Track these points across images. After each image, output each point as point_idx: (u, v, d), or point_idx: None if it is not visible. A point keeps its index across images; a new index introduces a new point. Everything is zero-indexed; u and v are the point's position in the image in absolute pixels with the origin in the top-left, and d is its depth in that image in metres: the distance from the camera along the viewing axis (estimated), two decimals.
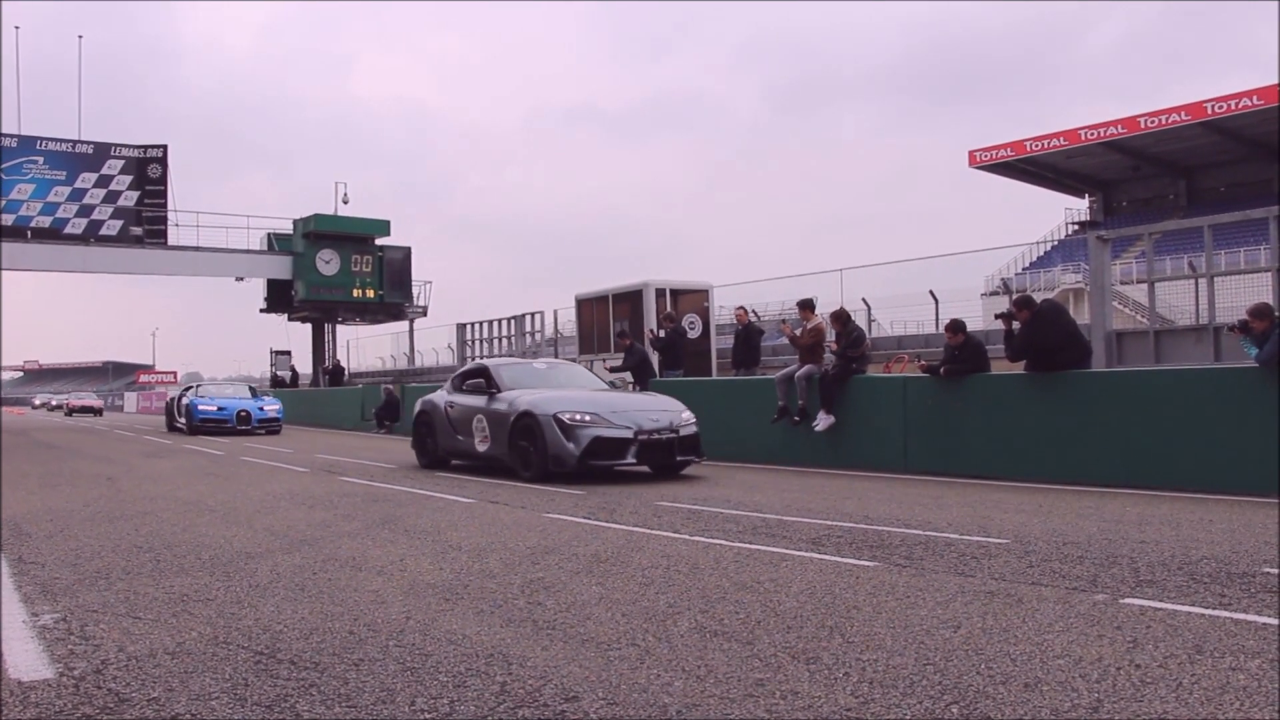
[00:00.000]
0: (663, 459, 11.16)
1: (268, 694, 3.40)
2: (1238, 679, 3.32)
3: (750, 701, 3.22)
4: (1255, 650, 3.66)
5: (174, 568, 5.89)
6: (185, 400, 26.14)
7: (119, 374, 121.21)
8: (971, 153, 52.81)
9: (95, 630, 4.33)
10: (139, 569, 5.86)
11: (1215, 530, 6.62)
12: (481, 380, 12.41)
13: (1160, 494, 8.81)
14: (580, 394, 11.84)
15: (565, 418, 10.77)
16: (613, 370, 17.01)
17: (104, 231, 35.89)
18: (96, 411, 56.69)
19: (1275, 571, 5.10)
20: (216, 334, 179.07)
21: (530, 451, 11.00)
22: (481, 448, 11.97)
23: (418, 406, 13.90)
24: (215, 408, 24.91)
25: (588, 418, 10.82)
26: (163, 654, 3.93)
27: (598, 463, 10.72)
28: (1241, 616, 4.17)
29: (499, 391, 11.96)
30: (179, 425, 26.19)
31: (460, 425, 12.49)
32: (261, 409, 25.39)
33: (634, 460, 10.90)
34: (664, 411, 11.41)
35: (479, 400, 12.16)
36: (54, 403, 74.69)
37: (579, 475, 10.70)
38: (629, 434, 10.81)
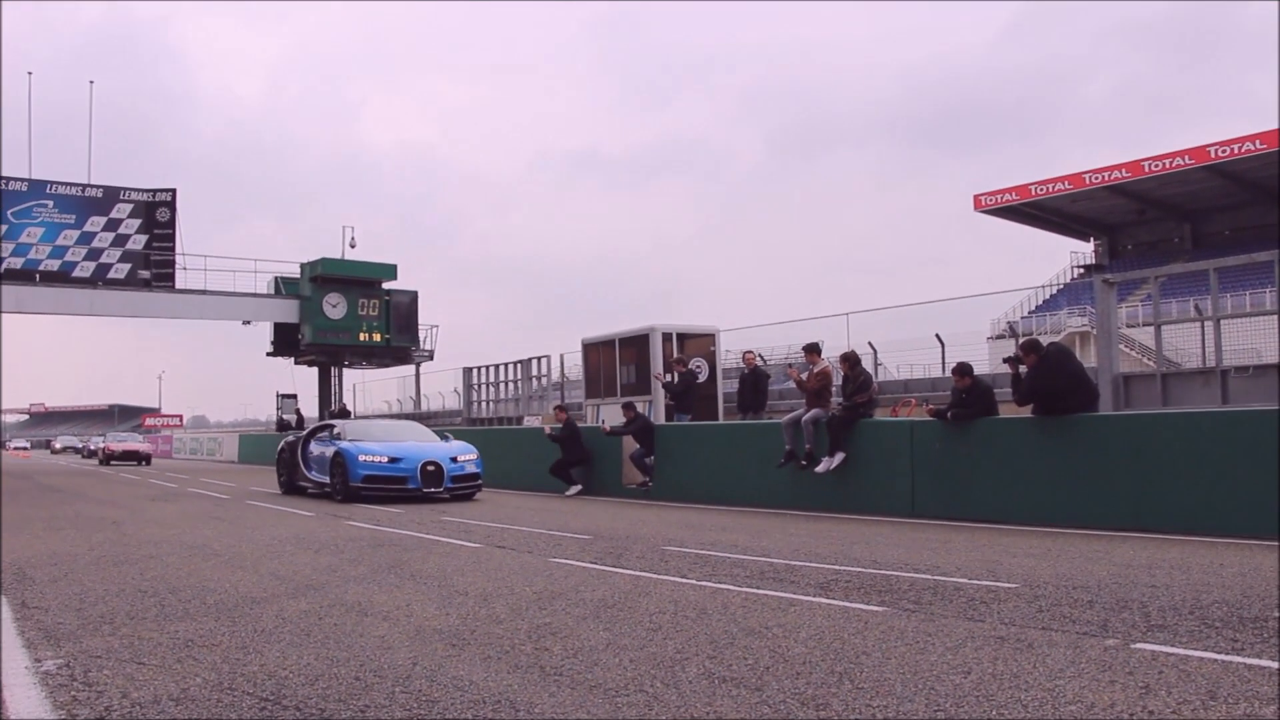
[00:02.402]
0: None
1: None
2: None
3: None
4: (1270, 696, 3.62)
5: (179, 613, 5.87)
6: (325, 448, 16.83)
7: (125, 417, 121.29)
8: (977, 197, 53.06)
9: (99, 676, 4.31)
10: (143, 614, 5.83)
11: (1226, 574, 6.57)
12: None
13: (1170, 538, 8.75)
14: None
15: None
16: (611, 432, 16.94)
17: (112, 275, 36.09)
18: (143, 459, 41.18)
19: None
20: (223, 377, 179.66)
21: None
22: None
23: None
24: (385, 459, 15.55)
25: None
26: (167, 700, 3.91)
27: None
28: (1255, 662, 4.13)
29: None
30: (310, 484, 17.20)
31: None
32: (455, 460, 15.89)
33: None
34: None
35: None
36: (91, 447, 56.22)
37: None
38: None
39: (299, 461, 17.56)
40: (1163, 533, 9.02)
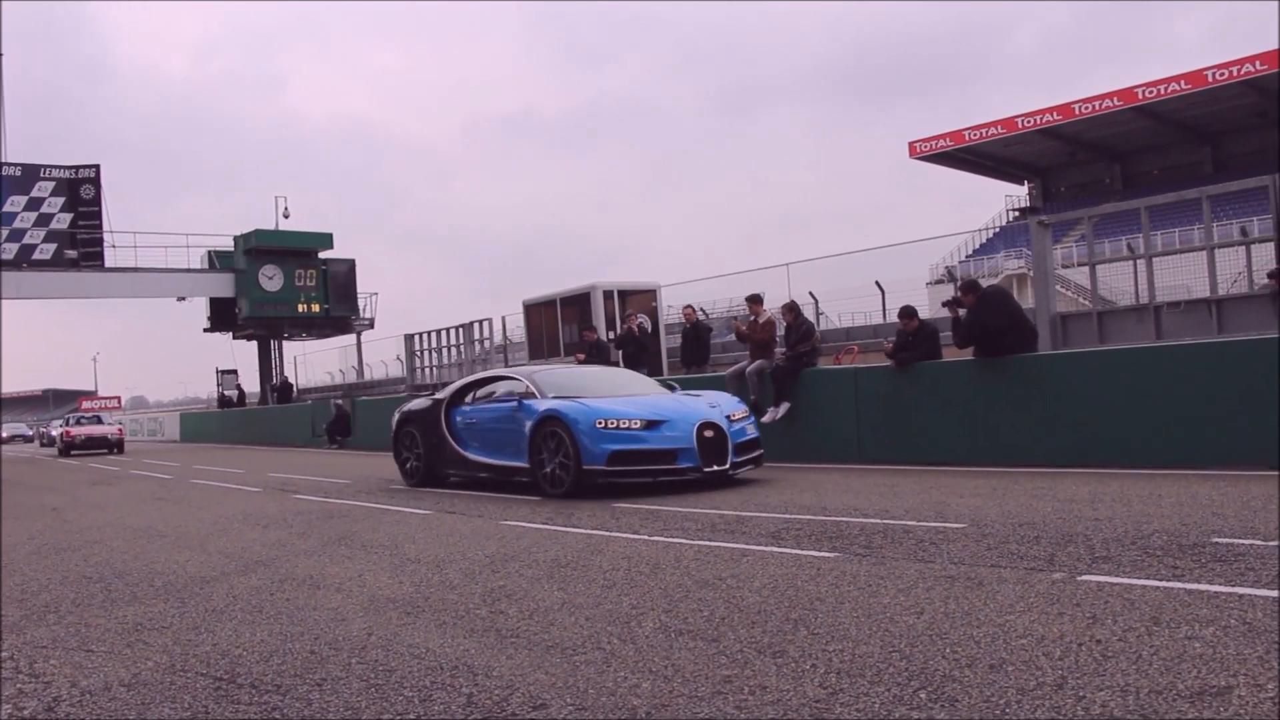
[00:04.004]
0: None
1: None
2: (1194, 647, 3.37)
3: (719, 699, 3.21)
4: (1209, 618, 3.72)
5: (126, 597, 5.78)
6: (514, 415, 10.66)
7: (60, 401, 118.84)
8: (911, 144, 53.41)
9: (45, 667, 4.22)
10: (89, 600, 5.73)
11: (1164, 504, 6.72)
12: None
13: (1110, 472, 8.94)
14: None
15: None
16: (584, 361, 16.82)
17: (37, 256, 35.18)
18: (115, 446, 32.18)
19: (1224, 541, 5.19)
20: (160, 356, 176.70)
21: None
22: None
23: None
24: (638, 423, 9.78)
25: None
26: (118, 686, 3.85)
27: None
28: (1194, 586, 4.24)
29: None
30: (466, 471, 11.45)
31: None
32: (730, 419, 10.21)
33: None
34: None
35: None
36: (51, 433, 46.21)
37: None
38: None
39: (447, 436, 11.67)
40: (1103, 467, 9.22)
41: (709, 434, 9.77)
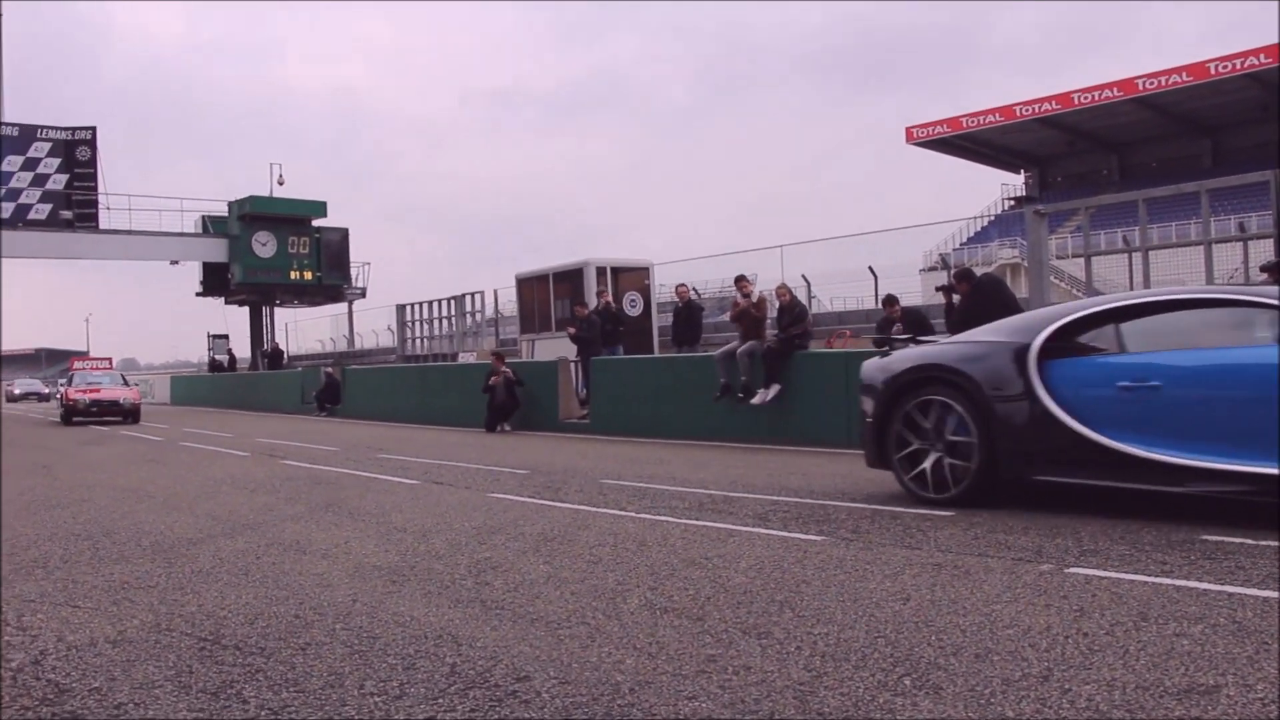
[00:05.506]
0: None
1: (213, 681, 3.33)
2: (1182, 644, 3.37)
3: (703, 677, 3.21)
4: (1198, 616, 3.72)
5: (114, 555, 5.77)
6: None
7: (52, 361, 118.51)
8: (909, 129, 53.30)
9: (33, 620, 4.22)
10: (77, 557, 5.73)
11: (1153, 499, 6.71)
12: None
13: None
14: None
15: None
16: (574, 339, 16.86)
17: (33, 215, 35.03)
18: (128, 413, 24.46)
19: (1213, 539, 5.19)
20: (152, 318, 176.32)
21: None
22: None
23: None
24: None
25: None
26: (103, 643, 3.84)
27: None
28: (1183, 583, 4.24)
29: None
30: (1116, 480, 5.99)
31: None
32: None
33: None
34: None
35: None
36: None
37: None
38: None
39: (1054, 411, 6.11)
40: None
41: None
